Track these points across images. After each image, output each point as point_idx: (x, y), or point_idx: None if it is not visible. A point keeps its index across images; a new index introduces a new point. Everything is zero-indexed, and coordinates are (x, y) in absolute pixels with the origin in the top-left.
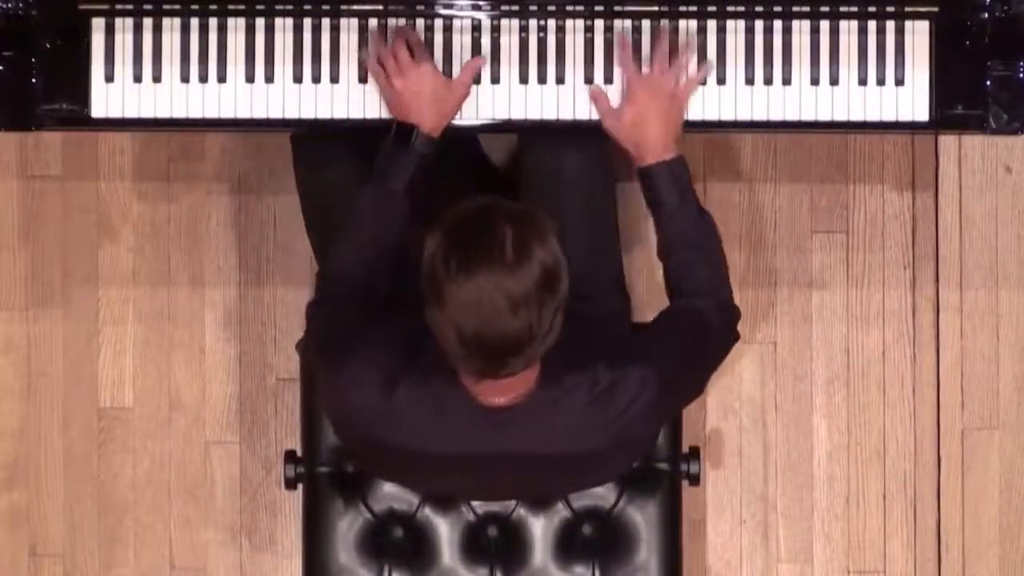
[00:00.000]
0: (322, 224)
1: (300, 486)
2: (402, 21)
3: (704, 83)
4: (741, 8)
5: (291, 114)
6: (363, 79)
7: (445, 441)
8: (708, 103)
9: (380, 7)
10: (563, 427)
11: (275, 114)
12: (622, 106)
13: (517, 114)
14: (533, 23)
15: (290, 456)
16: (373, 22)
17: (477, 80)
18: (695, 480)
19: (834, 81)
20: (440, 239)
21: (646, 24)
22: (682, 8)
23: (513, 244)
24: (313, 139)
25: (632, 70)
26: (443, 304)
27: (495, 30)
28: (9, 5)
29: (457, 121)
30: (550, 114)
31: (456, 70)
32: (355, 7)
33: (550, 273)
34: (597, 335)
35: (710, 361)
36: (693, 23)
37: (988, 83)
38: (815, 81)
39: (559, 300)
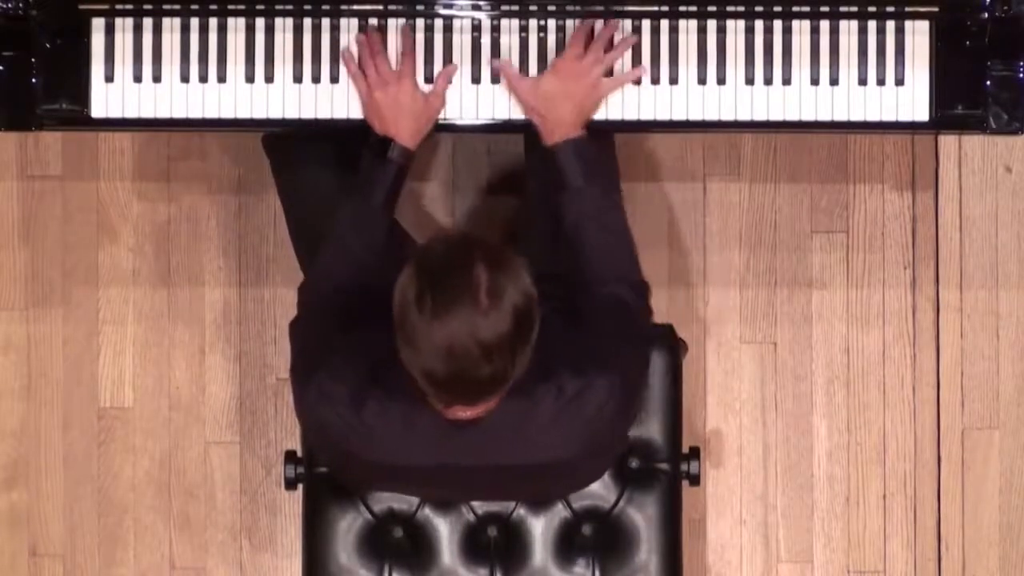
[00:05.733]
0: (306, 229)
1: (300, 486)
2: (402, 21)
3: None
4: (741, 8)
5: (291, 114)
6: None
7: (416, 455)
8: (709, 103)
9: (380, 7)
10: (532, 438)
11: (275, 114)
12: (542, 75)
13: (517, 114)
14: (533, 23)
15: (290, 456)
16: (373, 22)
17: (477, 80)
18: (695, 480)
19: (834, 81)
20: (413, 276)
21: (646, 24)
22: (682, 8)
23: (487, 289)
24: (287, 144)
25: (571, 51)
26: (415, 346)
27: (495, 30)
28: (9, 5)
29: (458, 121)
30: None
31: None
32: (355, 7)
33: (523, 315)
34: (564, 341)
35: (640, 345)
36: (693, 23)
37: (988, 83)
38: (815, 81)
39: (532, 339)
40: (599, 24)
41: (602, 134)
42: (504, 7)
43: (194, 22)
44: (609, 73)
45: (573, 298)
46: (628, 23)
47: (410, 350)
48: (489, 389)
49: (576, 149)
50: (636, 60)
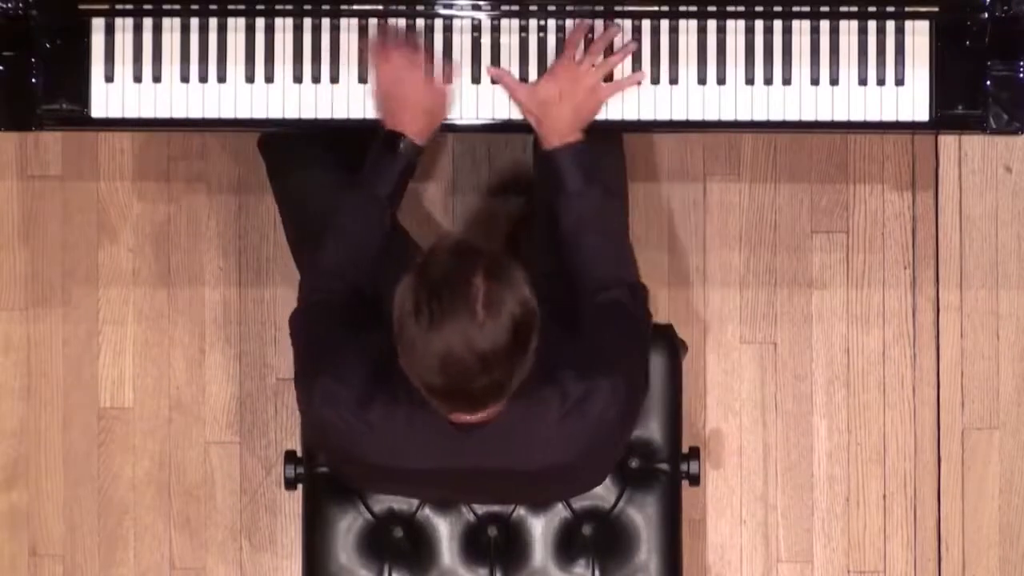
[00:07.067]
0: (303, 232)
1: (300, 486)
2: (402, 21)
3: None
4: (741, 8)
5: (291, 114)
6: (363, 79)
7: (419, 458)
8: (709, 103)
9: (380, 7)
10: (536, 442)
11: (275, 114)
12: (540, 79)
13: (517, 114)
14: (533, 23)
15: (290, 456)
16: (373, 22)
17: (477, 80)
18: (695, 480)
19: (834, 81)
20: (413, 285)
21: (646, 24)
22: (682, 8)
23: (484, 300)
24: (283, 146)
25: (568, 54)
26: (412, 355)
27: (495, 30)
28: (9, 5)
29: (458, 121)
30: None
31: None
32: (355, 7)
33: (520, 326)
34: (567, 344)
35: (641, 349)
36: (693, 23)
37: (988, 83)
38: (815, 81)
39: (530, 350)
40: (599, 26)
41: (612, 138)
42: (504, 7)
43: (194, 22)
44: (609, 78)
45: (572, 300)
46: (628, 23)
47: (408, 360)
48: (488, 399)
49: (574, 154)
50: (636, 60)
